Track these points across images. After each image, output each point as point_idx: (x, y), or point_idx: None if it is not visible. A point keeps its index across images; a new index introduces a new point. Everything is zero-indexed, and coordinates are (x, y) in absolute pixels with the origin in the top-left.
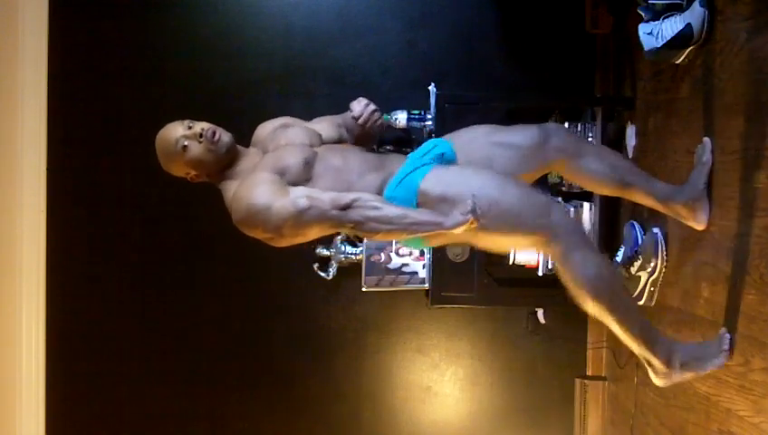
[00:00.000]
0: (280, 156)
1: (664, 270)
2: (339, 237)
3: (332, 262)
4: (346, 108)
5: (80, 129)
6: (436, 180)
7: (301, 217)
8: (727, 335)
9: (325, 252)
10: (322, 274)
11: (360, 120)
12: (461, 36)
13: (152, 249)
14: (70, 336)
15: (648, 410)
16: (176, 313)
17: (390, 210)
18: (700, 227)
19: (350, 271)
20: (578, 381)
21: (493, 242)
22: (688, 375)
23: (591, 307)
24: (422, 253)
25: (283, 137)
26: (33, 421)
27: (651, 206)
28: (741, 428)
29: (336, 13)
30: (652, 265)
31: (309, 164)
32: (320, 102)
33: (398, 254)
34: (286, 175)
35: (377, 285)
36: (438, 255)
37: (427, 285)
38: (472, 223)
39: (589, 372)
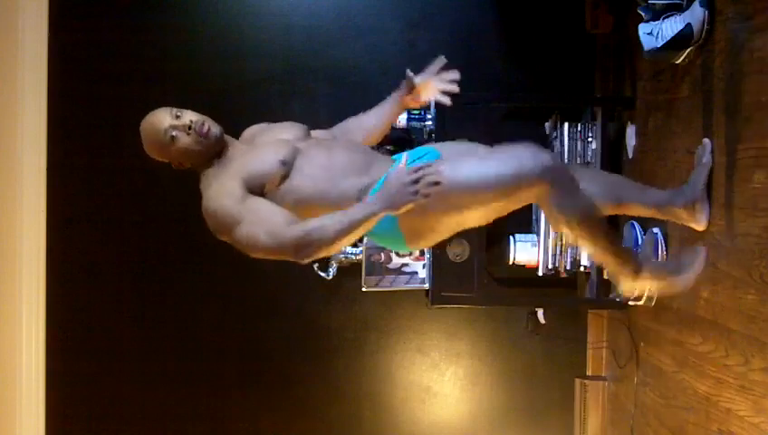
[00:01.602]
0: (253, 159)
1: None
2: None
3: (332, 262)
4: (346, 108)
5: (80, 129)
6: (414, 221)
7: (255, 247)
8: (704, 252)
9: None
10: (322, 274)
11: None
12: (461, 36)
13: (152, 249)
14: (70, 336)
15: (647, 410)
16: (176, 312)
17: (339, 225)
18: (700, 227)
19: (350, 271)
20: (578, 381)
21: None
22: (661, 283)
23: (574, 232)
24: (422, 253)
25: (268, 133)
26: (33, 421)
27: (651, 216)
28: (741, 428)
29: (336, 13)
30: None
31: (286, 164)
32: (320, 102)
33: (398, 254)
34: (257, 180)
35: (377, 285)
36: (438, 255)
37: (427, 285)
38: (417, 197)
39: (589, 372)
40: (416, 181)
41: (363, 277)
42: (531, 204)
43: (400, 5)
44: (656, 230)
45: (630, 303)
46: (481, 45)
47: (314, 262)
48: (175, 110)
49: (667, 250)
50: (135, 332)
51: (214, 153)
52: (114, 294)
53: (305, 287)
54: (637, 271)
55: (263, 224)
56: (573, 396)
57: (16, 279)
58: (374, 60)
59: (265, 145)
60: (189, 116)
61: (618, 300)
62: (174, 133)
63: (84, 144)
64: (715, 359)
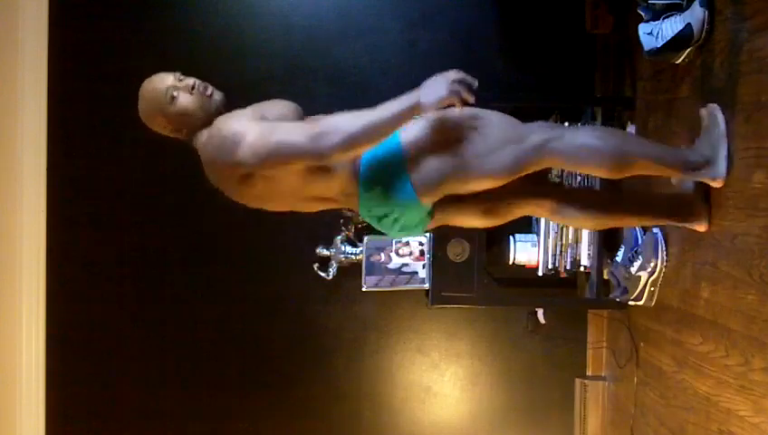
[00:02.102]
0: (260, 108)
1: (664, 270)
2: (339, 237)
3: (332, 262)
4: (346, 108)
5: (80, 129)
6: (415, 126)
7: (279, 150)
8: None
9: (325, 252)
10: (322, 274)
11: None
12: (461, 36)
13: (152, 249)
14: (70, 336)
15: (647, 410)
16: (176, 312)
17: (368, 117)
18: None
19: (350, 271)
20: (578, 381)
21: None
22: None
23: (613, 170)
24: (422, 253)
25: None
26: (33, 421)
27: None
28: (741, 428)
29: (336, 13)
30: (652, 265)
31: (286, 118)
32: (320, 102)
33: (398, 254)
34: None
35: (377, 285)
36: (438, 255)
37: (427, 285)
38: (452, 95)
39: (589, 372)
40: (459, 82)
41: (363, 277)
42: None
43: (400, 5)
44: (656, 230)
45: (630, 303)
46: (481, 45)
47: (314, 262)
48: (178, 73)
49: (666, 250)
50: (135, 332)
51: (211, 121)
52: (114, 294)
53: (305, 287)
54: (685, 169)
55: (278, 126)
56: (573, 396)
57: (16, 279)
58: (374, 60)
59: (268, 103)
60: (193, 79)
61: (618, 300)
62: (175, 93)
63: (84, 144)
64: (715, 359)
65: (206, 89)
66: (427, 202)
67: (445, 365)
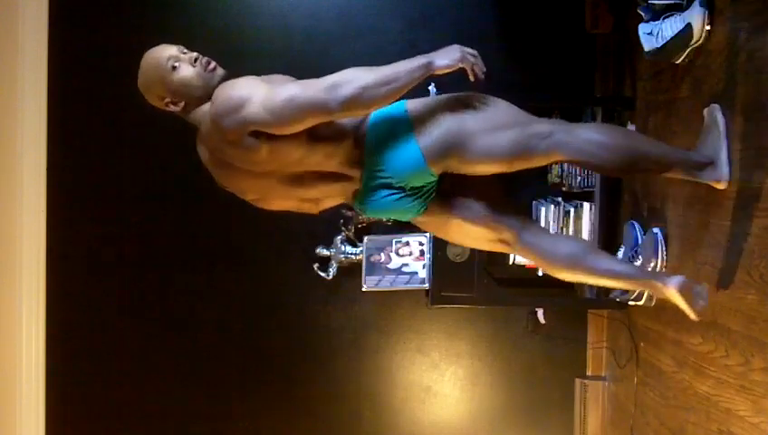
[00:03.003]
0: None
1: (664, 270)
2: (339, 237)
3: (332, 262)
4: None
5: (80, 129)
6: (422, 99)
7: (292, 102)
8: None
9: (325, 252)
10: (322, 274)
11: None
12: (461, 36)
13: (152, 250)
14: (69, 336)
15: (647, 410)
16: (176, 312)
17: (380, 71)
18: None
19: (350, 271)
20: (578, 381)
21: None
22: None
23: (626, 164)
24: (422, 253)
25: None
26: (33, 421)
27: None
28: (741, 428)
29: (336, 13)
30: (652, 265)
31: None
32: None
33: (398, 254)
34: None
35: (377, 285)
36: (438, 254)
37: (427, 285)
38: (465, 62)
39: (589, 372)
40: (473, 56)
41: (363, 277)
42: (531, 203)
43: (400, 5)
44: (656, 230)
45: (630, 303)
46: (481, 45)
47: (314, 262)
48: (181, 46)
49: (666, 250)
50: (135, 332)
51: (209, 98)
52: (114, 294)
53: (305, 287)
54: (687, 168)
55: (288, 83)
56: (573, 396)
57: (16, 279)
58: (374, 60)
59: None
60: (196, 53)
61: (618, 300)
62: (176, 64)
63: (84, 144)
64: (715, 359)
65: (208, 63)
66: (434, 170)
67: (445, 365)
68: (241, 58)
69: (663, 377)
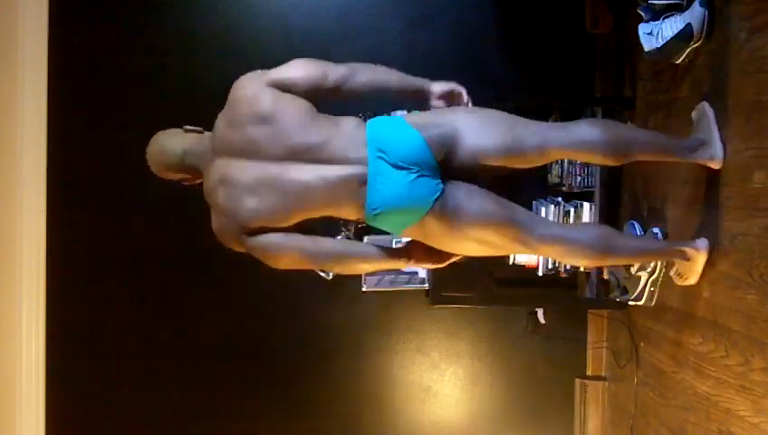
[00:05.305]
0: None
1: (664, 270)
2: (339, 237)
3: None
4: (346, 108)
5: (80, 129)
6: (418, 113)
7: (301, 61)
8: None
9: None
10: (322, 274)
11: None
12: (461, 36)
13: (152, 249)
14: (69, 336)
15: (647, 410)
16: (176, 312)
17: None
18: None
19: None
20: (578, 381)
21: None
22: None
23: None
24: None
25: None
26: (33, 421)
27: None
28: (741, 428)
29: (336, 13)
30: (652, 265)
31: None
32: (319, 102)
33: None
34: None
35: (377, 285)
36: None
37: (426, 285)
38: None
39: (589, 372)
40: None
41: (363, 277)
42: (531, 203)
43: (400, 5)
44: (656, 230)
45: (630, 303)
46: (481, 45)
47: None
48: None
49: None
50: (135, 332)
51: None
52: (114, 294)
53: (305, 287)
54: (681, 151)
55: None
56: (573, 396)
57: (16, 279)
58: (374, 60)
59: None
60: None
61: (618, 300)
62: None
63: (84, 144)
64: (715, 359)
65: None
66: (434, 151)
67: (445, 365)
68: (241, 58)
69: (663, 377)
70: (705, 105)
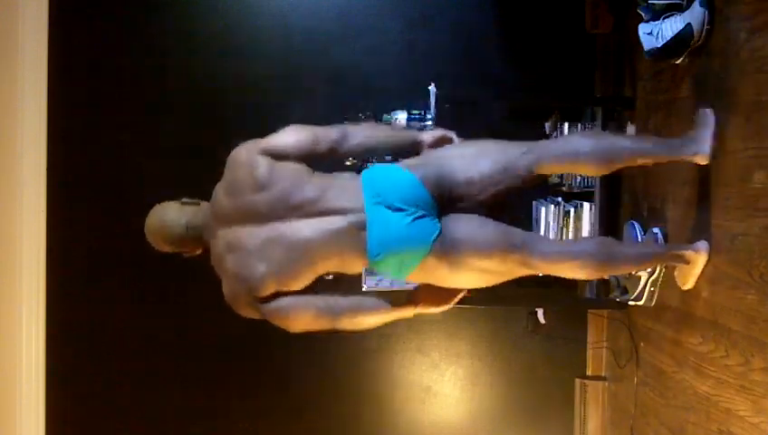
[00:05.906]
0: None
1: (664, 270)
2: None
3: None
4: (346, 108)
5: (80, 129)
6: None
7: (300, 127)
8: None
9: None
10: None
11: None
12: (461, 36)
13: (152, 249)
14: (69, 336)
15: (648, 410)
16: (175, 313)
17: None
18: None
19: None
20: (578, 381)
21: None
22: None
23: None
24: None
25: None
26: (33, 421)
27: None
28: (741, 428)
29: (336, 13)
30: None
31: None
32: (320, 102)
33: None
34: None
35: (377, 285)
36: None
37: None
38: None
39: (589, 372)
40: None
41: (363, 277)
42: (531, 203)
43: (400, 5)
44: (656, 230)
45: (630, 303)
46: (481, 45)
47: None
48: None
49: None
50: (135, 332)
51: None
52: (114, 294)
53: (305, 287)
54: (670, 151)
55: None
56: (573, 396)
57: (16, 279)
58: (374, 60)
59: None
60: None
61: (618, 300)
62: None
63: (84, 144)
64: (715, 359)
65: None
66: (429, 189)
67: (445, 365)
68: (241, 58)
69: (663, 377)
70: (708, 110)
